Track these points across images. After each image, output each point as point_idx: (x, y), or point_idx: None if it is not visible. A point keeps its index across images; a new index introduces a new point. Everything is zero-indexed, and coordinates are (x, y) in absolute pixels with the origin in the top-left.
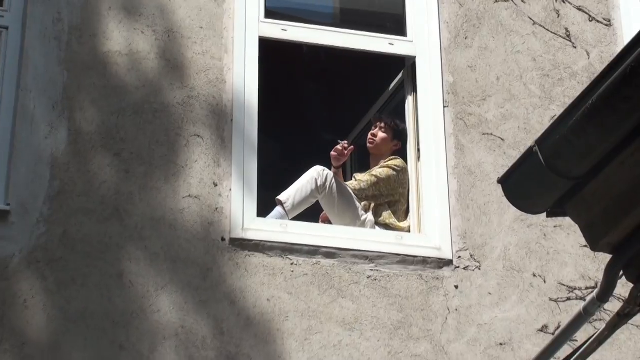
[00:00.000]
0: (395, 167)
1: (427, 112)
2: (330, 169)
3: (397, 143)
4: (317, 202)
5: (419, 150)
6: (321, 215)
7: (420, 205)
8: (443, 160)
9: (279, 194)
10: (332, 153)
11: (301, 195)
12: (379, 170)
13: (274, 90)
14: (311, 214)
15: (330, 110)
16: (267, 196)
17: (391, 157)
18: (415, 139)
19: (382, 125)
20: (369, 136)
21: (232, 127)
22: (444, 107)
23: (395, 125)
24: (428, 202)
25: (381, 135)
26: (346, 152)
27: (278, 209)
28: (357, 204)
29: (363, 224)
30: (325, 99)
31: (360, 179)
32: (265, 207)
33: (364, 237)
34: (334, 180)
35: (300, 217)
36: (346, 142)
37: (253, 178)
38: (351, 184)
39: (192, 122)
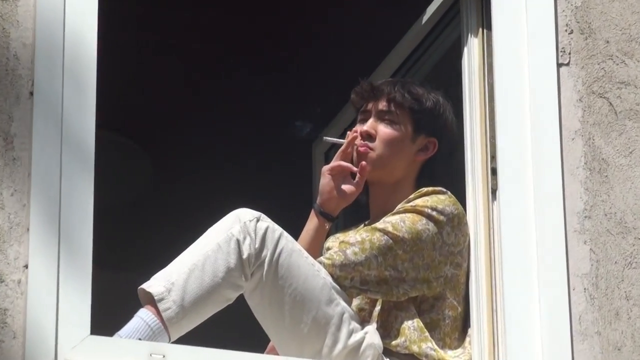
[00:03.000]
0: (433, 212)
1: (517, 76)
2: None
3: (427, 143)
4: (242, 297)
5: (493, 171)
6: (268, 346)
7: (498, 306)
8: (557, 195)
9: (148, 278)
10: (337, 166)
11: (201, 282)
12: (394, 220)
13: (145, 27)
14: (226, 321)
15: (288, 81)
16: (117, 281)
17: (423, 191)
18: (485, 142)
19: (384, 105)
20: (356, 138)
21: (31, 112)
22: (559, 65)
23: (415, 99)
24: (515, 302)
25: (385, 130)
26: (363, 165)
27: (144, 316)
28: (340, 302)
29: (354, 354)
30: (276, 56)
31: (347, 242)
32: (112, 309)
33: None
34: (284, 243)
35: (197, 337)
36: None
37: (84, 236)
38: (327, 258)
39: None
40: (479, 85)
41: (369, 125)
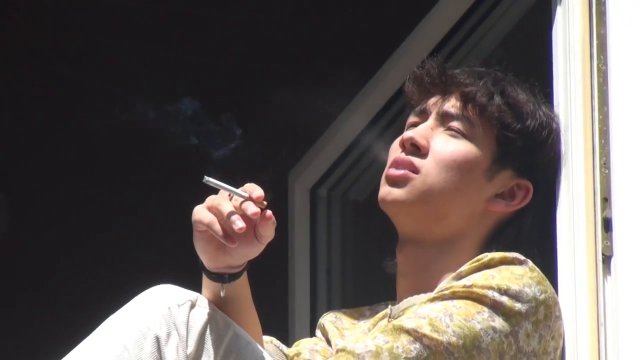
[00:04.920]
0: (502, 296)
1: None
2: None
3: (515, 187)
4: None
5: (605, 224)
6: None
7: None
8: None
9: None
10: (201, 224)
11: None
12: (434, 311)
13: None
14: None
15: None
16: None
17: (485, 259)
18: (592, 173)
19: (455, 104)
20: (397, 150)
21: None
22: None
23: (511, 108)
24: None
25: (446, 145)
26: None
27: None
28: None
29: None
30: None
31: (351, 351)
32: None
33: None
34: (238, 345)
35: None
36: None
37: None
38: None
39: None
40: (582, 73)
41: (420, 131)
